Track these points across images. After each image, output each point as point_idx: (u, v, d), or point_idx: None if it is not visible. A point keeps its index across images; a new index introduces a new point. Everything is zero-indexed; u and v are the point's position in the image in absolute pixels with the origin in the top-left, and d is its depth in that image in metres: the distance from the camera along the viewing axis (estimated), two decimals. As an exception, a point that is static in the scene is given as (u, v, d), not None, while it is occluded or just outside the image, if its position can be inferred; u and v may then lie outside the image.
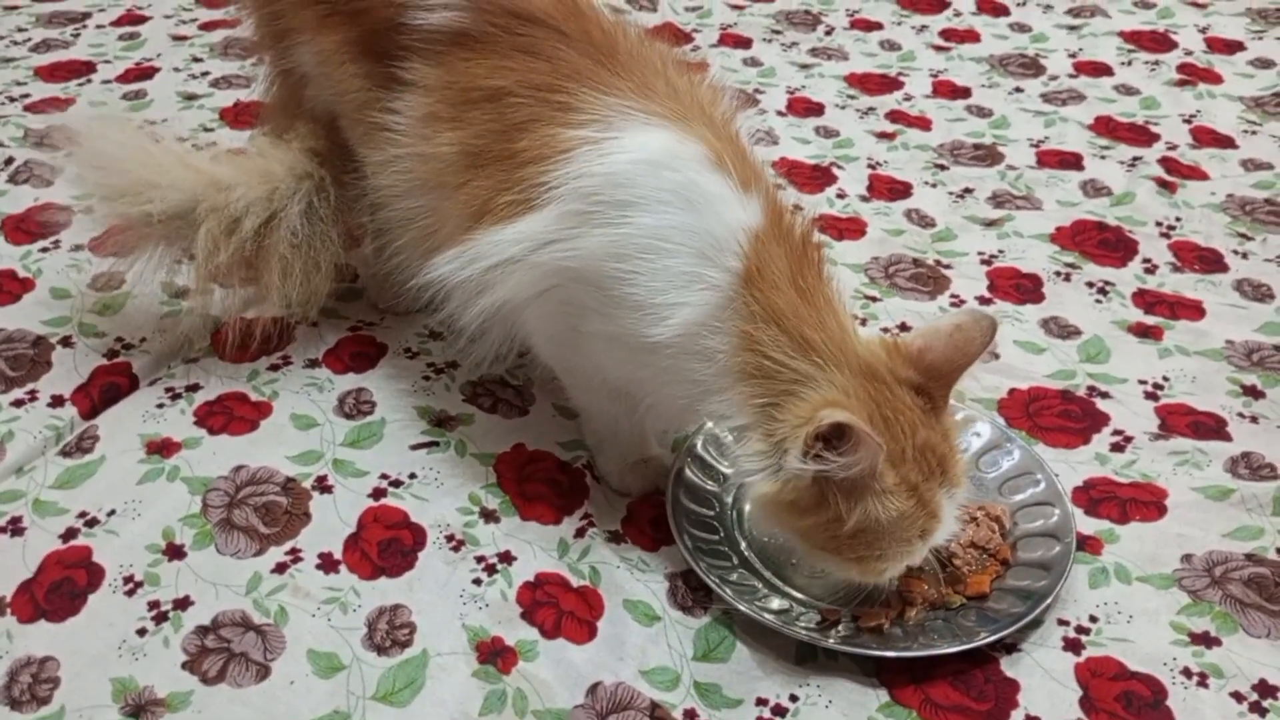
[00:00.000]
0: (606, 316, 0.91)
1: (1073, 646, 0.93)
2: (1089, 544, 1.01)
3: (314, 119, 1.17)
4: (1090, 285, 1.36)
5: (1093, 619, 0.95)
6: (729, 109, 0.98)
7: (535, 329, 1.00)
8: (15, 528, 0.99)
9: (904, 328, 1.29)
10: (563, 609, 0.94)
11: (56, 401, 1.12)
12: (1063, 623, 0.94)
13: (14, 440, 1.07)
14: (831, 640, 0.91)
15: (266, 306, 1.15)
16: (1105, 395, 1.19)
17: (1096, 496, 1.07)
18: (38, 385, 1.14)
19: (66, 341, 1.19)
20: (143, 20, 1.90)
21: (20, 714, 0.85)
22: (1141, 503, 1.06)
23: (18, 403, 1.11)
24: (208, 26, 1.89)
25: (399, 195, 1.02)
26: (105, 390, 1.14)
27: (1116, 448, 1.13)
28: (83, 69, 1.73)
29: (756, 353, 0.86)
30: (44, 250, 1.32)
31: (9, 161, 1.47)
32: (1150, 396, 1.19)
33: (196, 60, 1.78)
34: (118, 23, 1.89)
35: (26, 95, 1.63)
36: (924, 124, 1.70)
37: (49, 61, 1.74)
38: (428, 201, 1.00)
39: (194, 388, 1.15)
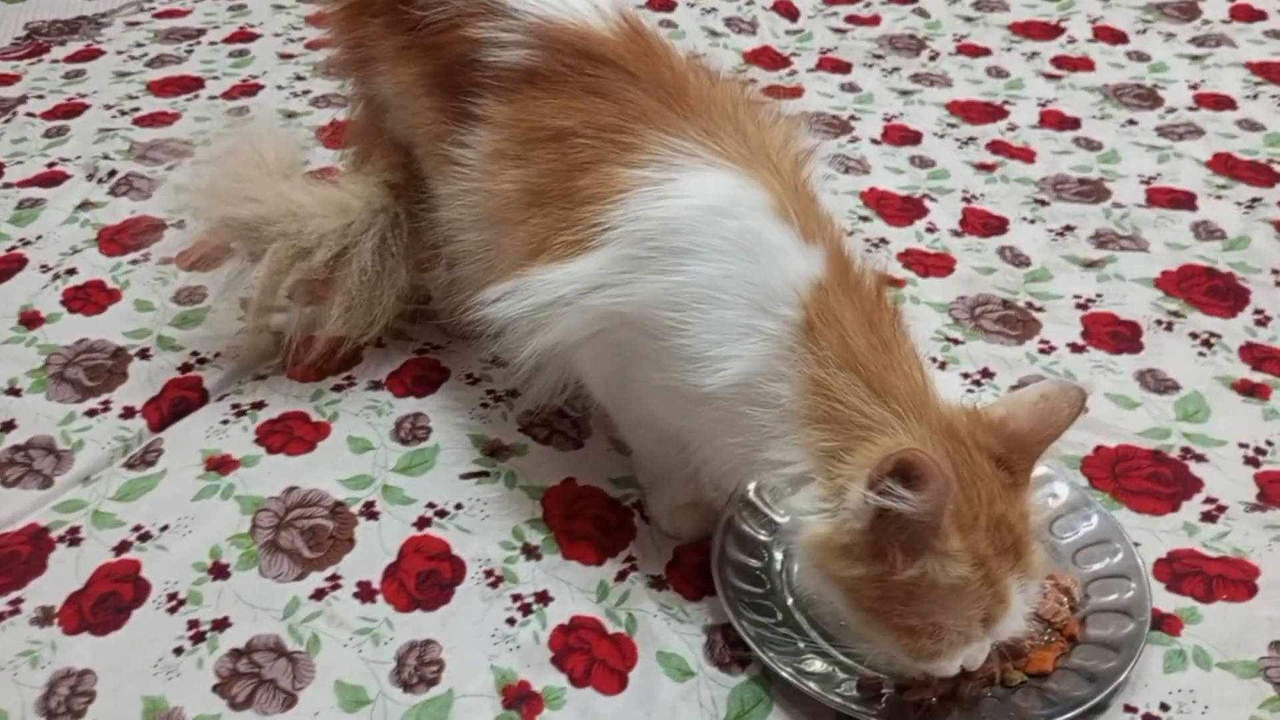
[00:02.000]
0: (658, 365, 0.88)
1: (1139, 737, 0.86)
2: (1167, 623, 0.94)
3: (392, 146, 1.18)
4: (1194, 336, 1.27)
5: (1164, 707, 0.88)
6: (801, 153, 0.94)
7: (587, 369, 0.97)
8: (73, 538, 1.02)
9: (986, 374, 1.22)
10: (595, 656, 0.92)
11: (128, 413, 1.15)
12: (1130, 709, 0.87)
13: (84, 449, 1.10)
14: (873, 714, 0.85)
15: (331, 328, 1.16)
16: (1200, 458, 1.10)
17: (1180, 570, 0.99)
18: (112, 396, 1.17)
19: (144, 354, 1.22)
20: (253, 38, 1.96)
21: (54, 726, 0.86)
22: (1230, 580, 0.98)
23: (91, 412, 1.15)
24: (314, 45, 1.93)
25: (464, 229, 1.02)
26: (175, 404, 1.16)
27: (1208, 517, 1.04)
28: (192, 84, 1.79)
29: (827, 397, 0.81)
30: (134, 263, 1.36)
31: (112, 174, 1.52)
32: (1251, 462, 1.10)
33: (299, 79, 1.82)
34: (230, 39, 1.95)
35: (137, 109, 1.70)
36: (1027, 155, 1.62)
37: (161, 76, 1.81)
38: (490, 237, 0.99)
39: (259, 405, 1.17)
